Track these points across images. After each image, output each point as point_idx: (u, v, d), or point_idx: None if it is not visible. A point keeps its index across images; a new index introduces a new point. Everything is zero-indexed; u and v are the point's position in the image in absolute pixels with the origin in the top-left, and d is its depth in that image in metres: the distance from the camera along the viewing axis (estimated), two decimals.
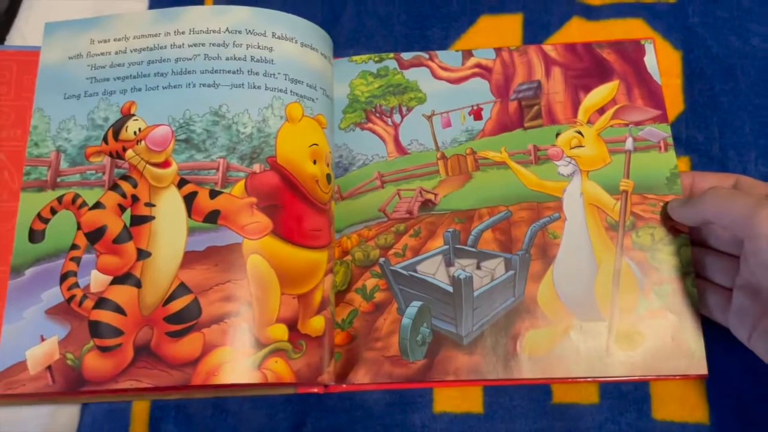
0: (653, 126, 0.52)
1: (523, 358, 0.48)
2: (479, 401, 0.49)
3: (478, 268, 0.51)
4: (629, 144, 0.52)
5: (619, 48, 0.55)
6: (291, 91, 0.51)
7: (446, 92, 0.56)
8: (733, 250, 0.46)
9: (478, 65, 0.56)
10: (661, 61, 0.55)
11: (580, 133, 0.53)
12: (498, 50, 0.56)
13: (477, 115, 0.55)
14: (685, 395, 0.48)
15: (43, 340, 0.46)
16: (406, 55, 0.57)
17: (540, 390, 0.49)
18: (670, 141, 0.52)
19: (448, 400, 0.49)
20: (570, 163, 0.52)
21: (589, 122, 0.53)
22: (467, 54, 0.56)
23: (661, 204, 0.50)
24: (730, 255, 0.46)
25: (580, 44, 0.56)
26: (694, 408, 0.48)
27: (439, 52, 0.57)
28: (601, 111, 0.54)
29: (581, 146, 0.53)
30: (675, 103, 0.54)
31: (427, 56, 0.57)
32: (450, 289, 0.49)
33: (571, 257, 0.50)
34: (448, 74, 0.56)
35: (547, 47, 0.56)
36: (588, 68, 0.55)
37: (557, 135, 0.53)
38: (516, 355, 0.48)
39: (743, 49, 0.55)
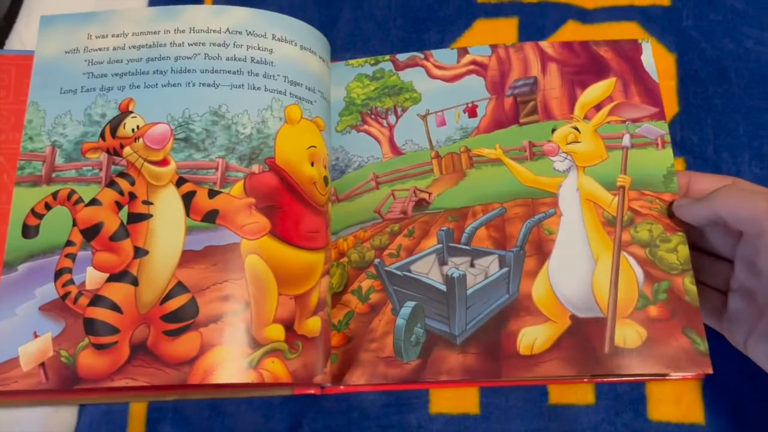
0: (650, 123, 0.52)
1: (518, 356, 0.47)
2: (475, 402, 0.49)
3: (472, 266, 0.51)
4: (626, 140, 0.51)
5: (616, 46, 0.55)
6: (290, 93, 0.51)
7: (441, 91, 0.56)
8: (727, 254, 0.46)
9: (474, 62, 0.56)
10: (656, 63, 0.55)
11: (576, 128, 0.52)
12: (494, 47, 0.56)
13: (472, 112, 0.55)
14: (681, 396, 0.48)
15: (36, 336, 0.45)
16: (402, 56, 0.57)
17: (536, 391, 0.49)
18: (668, 138, 0.51)
19: (444, 401, 0.50)
20: (566, 158, 0.52)
21: (586, 118, 0.53)
22: (462, 51, 0.56)
23: (659, 201, 0.49)
24: (724, 259, 0.47)
25: (577, 42, 0.55)
26: (690, 408, 0.48)
27: (434, 51, 0.56)
28: (598, 108, 0.53)
29: (577, 142, 0.52)
30: (670, 105, 0.55)
31: (422, 56, 0.57)
32: (443, 288, 0.49)
33: (567, 253, 0.49)
34: (443, 73, 0.56)
35: (544, 44, 0.56)
36: (585, 65, 0.55)
37: (553, 131, 0.53)
38: (510, 353, 0.47)
39: (737, 52, 0.56)
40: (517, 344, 0.47)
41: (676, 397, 0.48)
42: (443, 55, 0.56)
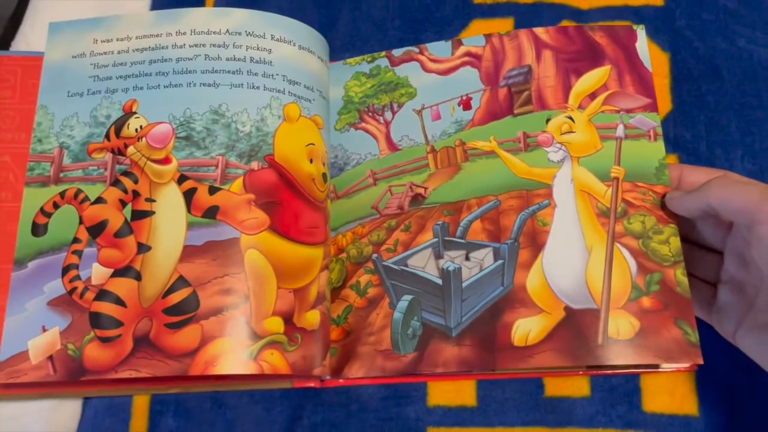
0: (643, 114, 0.52)
1: (512, 347, 0.47)
2: (472, 394, 0.50)
3: (467, 259, 0.52)
4: (620, 131, 0.51)
5: (611, 32, 0.54)
6: (289, 92, 0.52)
7: (436, 85, 0.56)
8: (717, 246, 0.47)
9: (468, 54, 0.56)
10: (650, 62, 0.56)
11: (571, 118, 0.52)
12: (488, 36, 0.56)
13: (466, 105, 0.55)
14: (675, 387, 0.49)
15: (44, 330, 0.47)
16: (397, 52, 0.57)
17: (532, 383, 0.50)
18: (660, 131, 0.51)
19: (441, 394, 0.50)
20: (560, 149, 0.52)
21: (581, 107, 0.53)
22: (457, 43, 0.56)
23: (652, 193, 0.49)
24: (714, 251, 0.47)
25: (572, 27, 0.55)
26: (684, 400, 0.48)
27: (429, 45, 0.57)
28: (593, 96, 0.53)
29: (572, 132, 0.52)
30: (663, 102, 0.55)
31: (417, 50, 0.57)
32: (439, 281, 0.50)
33: (561, 244, 0.49)
34: (437, 66, 0.56)
35: (539, 30, 0.55)
36: (580, 51, 0.54)
37: (547, 121, 0.53)
38: (505, 345, 0.47)
39: (729, 50, 0.57)
40: (511, 336, 0.47)
41: (671, 389, 0.49)
42: (438, 48, 0.57)
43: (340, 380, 0.50)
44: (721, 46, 0.57)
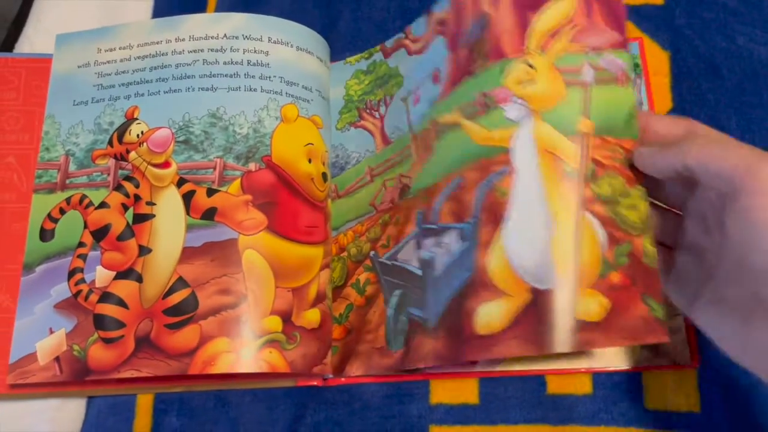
0: (612, 53, 0.42)
1: (477, 336, 0.42)
2: (474, 392, 0.50)
3: (440, 245, 0.47)
4: (589, 74, 0.42)
5: None
6: (286, 93, 0.53)
7: (416, 66, 0.53)
8: (676, 204, 0.42)
9: (438, 22, 0.51)
10: (650, 61, 0.55)
11: (530, 65, 0.44)
12: None
13: (435, 78, 0.50)
14: (678, 384, 0.48)
15: (51, 332, 0.48)
16: (389, 42, 0.57)
17: (534, 380, 0.50)
18: (631, 74, 0.42)
19: (444, 392, 0.50)
20: (517, 102, 0.44)
21: (541, 50, 0.44)
22: (429, 15, 0.53)
23: (620, 149, 0.41)
24: (673, 212, 0.43)
25: None
26: (685, 397, 0.48)
27: (412, 25, 0.54)
28: (555, 35, 0.44)
29: (533, 81, 0.43)
30: (664, 101, 0.55)
31: (403, 35, 0.56)
32: (420, 272, 0.47)
33: (522, 216, 0.42)
34: (417, 46, 0.54)
35: None
36: None
37: (504, 72, 0.45)
38: (471, 335, 0.43)
39: (729, 49, 0.56)
40: (475, 324, 0.43)
41: (672, 386, 0.48)
42: (418, 27, 0.54)
43: (342, 378, 0.50)
44: (721, 45, 0.56)
